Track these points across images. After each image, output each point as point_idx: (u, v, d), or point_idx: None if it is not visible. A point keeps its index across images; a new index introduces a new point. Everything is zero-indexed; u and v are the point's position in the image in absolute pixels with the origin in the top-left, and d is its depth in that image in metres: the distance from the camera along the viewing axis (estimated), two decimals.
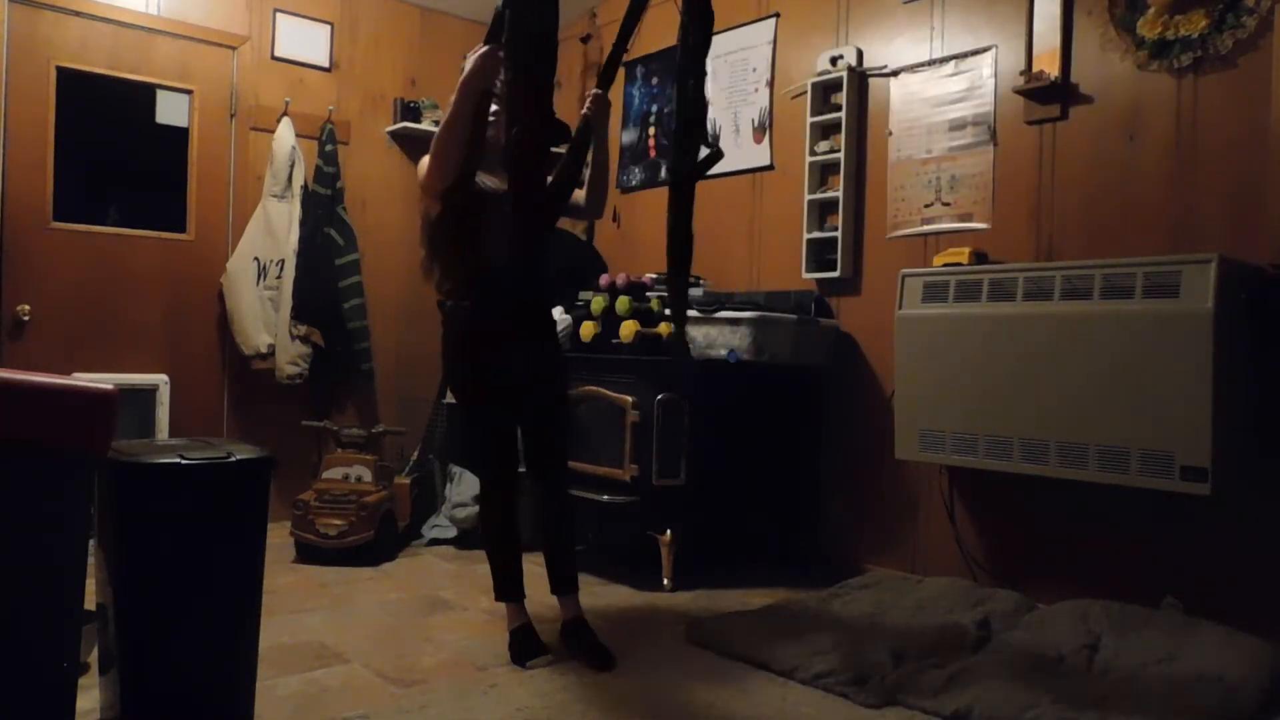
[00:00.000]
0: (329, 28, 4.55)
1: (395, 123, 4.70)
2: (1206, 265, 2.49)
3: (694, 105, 2.58)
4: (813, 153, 3.82)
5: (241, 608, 1.94)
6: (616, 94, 4.90)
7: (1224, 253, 2.52)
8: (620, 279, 3.81)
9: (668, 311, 3.35)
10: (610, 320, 3.70)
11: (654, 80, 4.69)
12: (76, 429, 1.58)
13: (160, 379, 4.00)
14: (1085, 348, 2.69)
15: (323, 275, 4.30)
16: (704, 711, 2.26)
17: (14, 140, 3.74)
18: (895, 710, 2.29)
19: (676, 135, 2.59)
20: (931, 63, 3.51)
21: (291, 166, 4.25)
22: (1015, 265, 3.02)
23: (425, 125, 4.72)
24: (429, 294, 4.86)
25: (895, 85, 3.63)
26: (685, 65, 2.63)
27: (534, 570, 3.68)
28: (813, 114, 3.81)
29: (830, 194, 3.78)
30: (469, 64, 2.66)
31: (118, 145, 4.15)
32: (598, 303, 3.76)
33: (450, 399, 4.27)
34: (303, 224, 4.23)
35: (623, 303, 3.65)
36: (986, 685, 2.29)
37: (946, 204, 3.46)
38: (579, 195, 2.91)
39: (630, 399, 3.41)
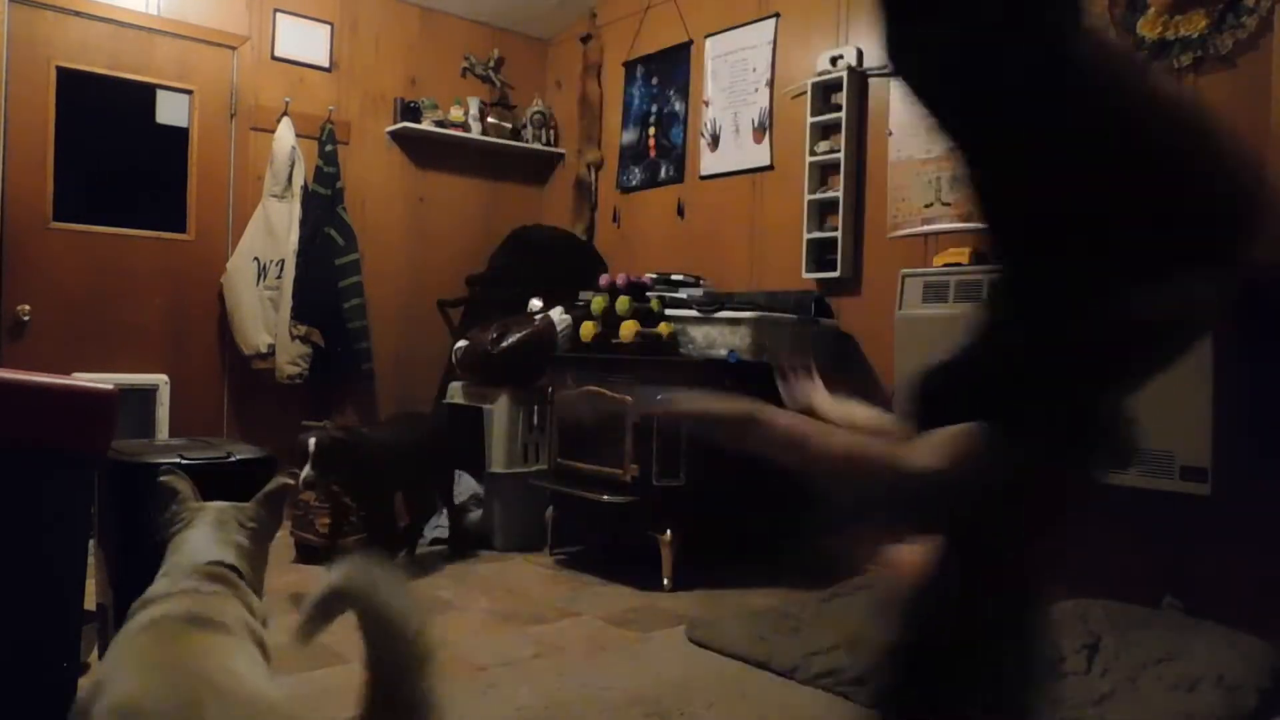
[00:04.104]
0: (329, 28, 4.55)
1: (395, 123, 4.70)
2: None
3: None
4: (813, 153, 3.82)
5: None
6: (616, 94, 4.90)
7: None
8: (620, 279, 3.81)
9: None
10: (610, 320, 3.70)
11: (654, 80, 4.70)
12: (76, 429, 1.58)
13: (160, 379, 4.00)
14: None
15: (323, 275, 4.30)
16: (704, 711, 2.26)
17: (14, 140, 3.74)
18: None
19: None
20: None
21: (291, 166, 4.25)
22: None
23: (425, 125, 4.72)
24: (429, 294, 4.90)
25: (895, 85, 3.63)
26: None
27: (535, 571, 3.68)
28: (813, 114, 3.81)
29: (830, 194, 3.78)
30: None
31: (118, 145, 4.14)
32: (598, 303, 3.76)
33: (452, 399, 4.27)
34: (303, 224, 4.23)
35: (623, 303, 3.66)
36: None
37: (947, 204, 3.46)
38: None
39: (630, 399, 3.40)
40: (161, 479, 1.53)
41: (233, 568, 1.42)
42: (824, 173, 3.84)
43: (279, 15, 4.39)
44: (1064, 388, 1.23)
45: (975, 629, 1.23)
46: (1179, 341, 1.35)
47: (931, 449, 1.24)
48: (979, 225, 1.34)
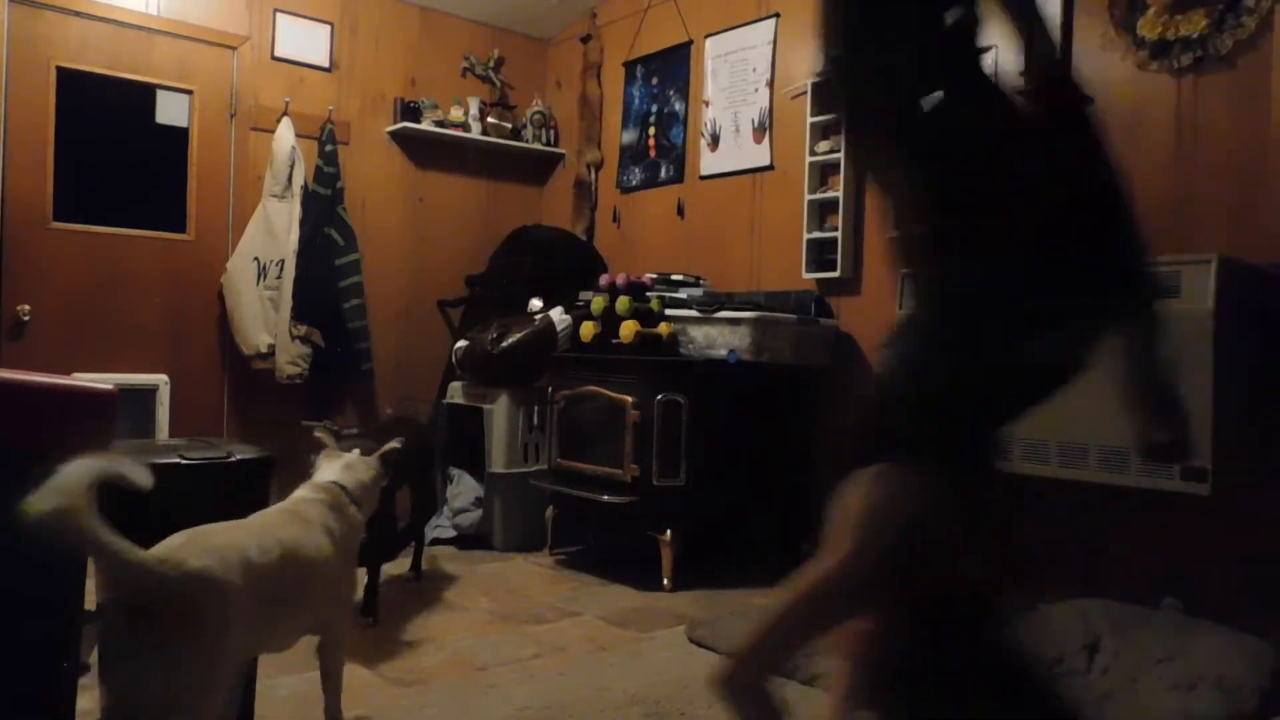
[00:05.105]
0: (329, 28, 4.55)
1: (395, 123, 4.70)
2: (1206, 265, 2.49)
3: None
4: (813, 153, 3.81)
5: None
6: (616, 94, 4.90)
7: (1224, 253, 2.52)
8: (620, 279, 3.82)
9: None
10: (610, 320, 3.70)
11: (654, 80, 4.70)
12: (76, 429, 1.58)
13: (160, 379, 4.00)
14: None
15: (323, 275, 4.30)
16: (705, 712, 2.26)
17: (14, 140, 3.74)
18: None
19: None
20: None
21: (291, 166, 4.25)
22: None
23: (425, 125, 4.72)
24: (429, 294, 4.90)
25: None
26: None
27: (535, 571, 3.68)
28: (813, 114, 3.81)
29: (830, 194, 3.78)
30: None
31: (118, 145, 4.14)
32: (598, 303, 3.76)
33: (452, 399, 4.28)
34: (302, 224, 4.23)
35: (623, 303, 3.66)
36: None
37: None
38: None
39: (630, 399, 3.41)
40: (315, 434, 2.31)
41: (344, 488, 2.07)
42: (824, 173, 3.84)
43: (279, 15, 4.39)
44: (981, 416, 1.35)
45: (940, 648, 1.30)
46: (1054, 384, 1.41)
47: (854, 512, 1.34)
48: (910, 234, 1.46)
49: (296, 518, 1.90)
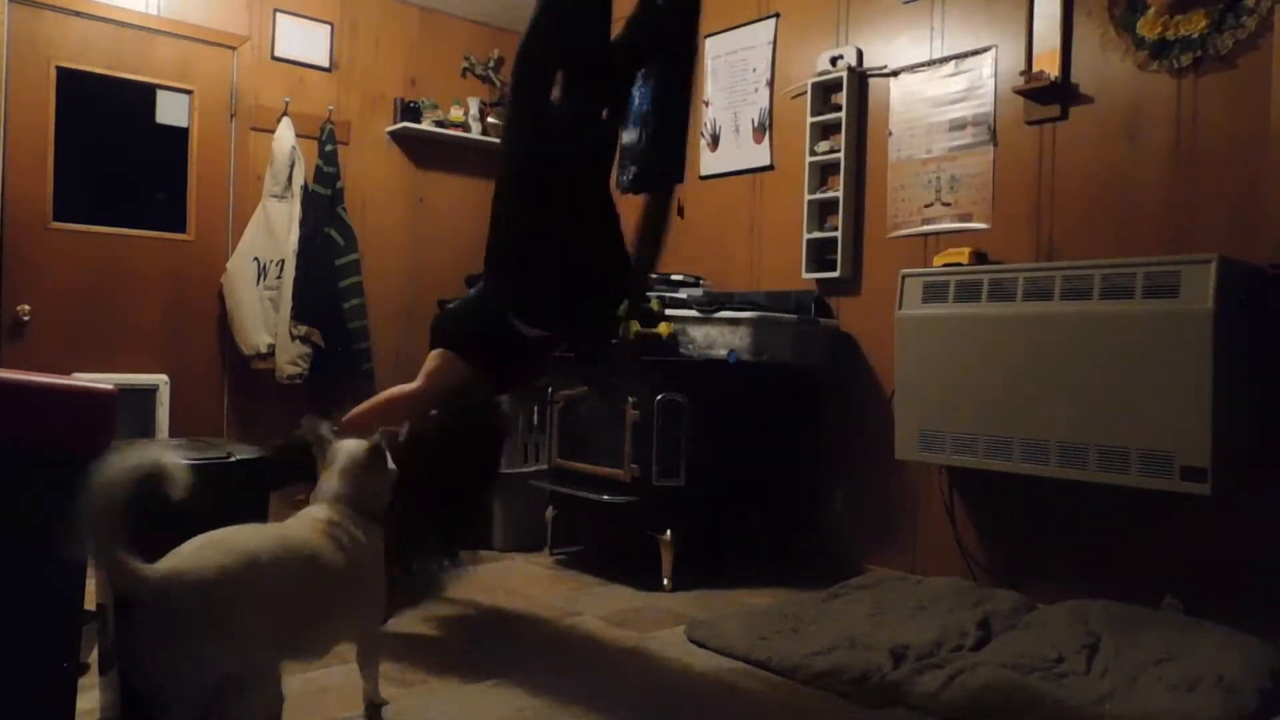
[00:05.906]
0: (329, 28, 4.55)
1: (395, 123, 4.70)
2: (1206, 265, 2.49)
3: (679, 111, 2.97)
4: (813, 153, 3.82)
5: None
6: None
7: (1224, 253, 2.52)
8: None
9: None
10: None
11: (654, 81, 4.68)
12: (76, 429, 1.58)
13: (160, 379, 4.00)
14: (1085, 348, 2.69)
15: (323, 275, 4.30)
16: (705, 711, 2.26)
17: (14, 140, 3.74)
18: (895, 710, 2.28)
19: (655, 139, 2.96)
20: (931, 63, 3.51)
21: (291, 166, 4.25)
22: (1015, 265, 3.02)
23: (425, 125, 4.72)
24: (428, 294, 4.89)
25: (895, 85, 3.64)
26: (674, 72, 2.98)
27: (535, 571, 3.68)
28: (813, 114, 3.81)
29: (830, 194, 3.78)
30: None
31: (118, 145, 4.14)
32: None
33: None
34: (302, 224, 4.23)
35: None
36: (986, 685, 2.29)
37: (946, 204, 3.46)
38: None
39: (630, 399, 3.41)
40: (304, 429, 2.34)
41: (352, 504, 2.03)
42: (824, 173, 3.84)
43: (279, 15, 4.39)
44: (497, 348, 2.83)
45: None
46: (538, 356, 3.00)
47: (427, 368, 2.85)
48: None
49: (307, 528, 1.94)
